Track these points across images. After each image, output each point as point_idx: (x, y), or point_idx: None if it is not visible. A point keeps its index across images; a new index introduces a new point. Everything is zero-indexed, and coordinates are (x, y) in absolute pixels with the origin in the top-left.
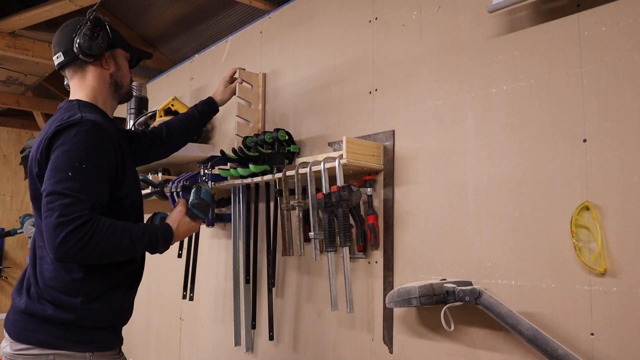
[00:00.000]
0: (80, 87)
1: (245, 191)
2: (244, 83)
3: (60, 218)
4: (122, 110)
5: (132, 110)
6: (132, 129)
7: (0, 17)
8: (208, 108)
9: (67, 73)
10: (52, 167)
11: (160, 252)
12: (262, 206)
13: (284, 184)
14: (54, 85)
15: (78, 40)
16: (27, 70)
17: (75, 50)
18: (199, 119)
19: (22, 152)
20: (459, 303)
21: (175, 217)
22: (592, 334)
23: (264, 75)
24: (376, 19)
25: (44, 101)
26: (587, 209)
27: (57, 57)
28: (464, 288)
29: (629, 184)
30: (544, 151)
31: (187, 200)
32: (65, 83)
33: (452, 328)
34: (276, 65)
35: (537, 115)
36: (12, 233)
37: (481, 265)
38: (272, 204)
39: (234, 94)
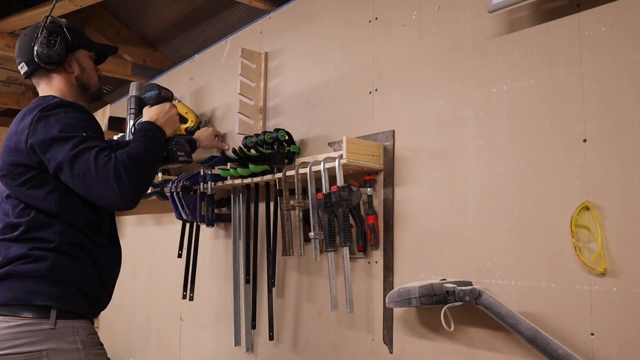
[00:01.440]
0: (48, 92)
1: (245, 191)
2: (247, 62)
3: (100, 169)
4: (122, 111)
5: (132, 111)
6: (133, 129)
7: (0, 17)
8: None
9: (34, 80)
10: (57, 138)
11: (165, 144)
12: (262, 206)
13: (284, 184)
14: None
15: (36, 49)
16: None
17: (36, 60)
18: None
19: None
20: (459, 303)
21: (160, 112)
22: (592, 334)
23: (266, 54)
24: (376, 19)
25: None
26: (587, 209)
27: (22, 67)
28: (464, 288)
29: (629, 184)
30: (544, 151)
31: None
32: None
33: (452, 328)
34: (276, 65)
35: (537, 115)
36: None
37: (481, 265)
38: (272, 204)
39: (215, 147)
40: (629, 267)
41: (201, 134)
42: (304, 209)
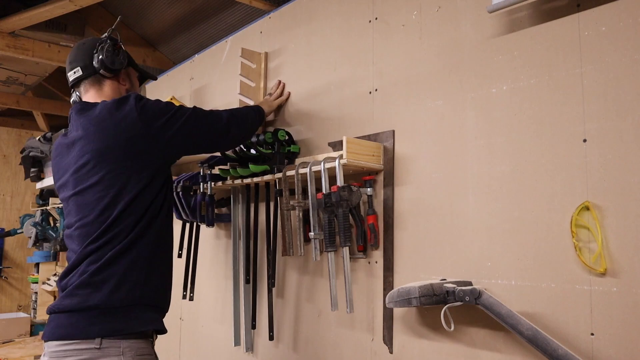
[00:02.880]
0: (99, 97)
1: (245, 191)
2: (247, 62)
3: (217, 121)
4: None
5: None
6: None
7: (0, 17)
8: None
9: (83, 87)
10: (167, 117)
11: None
12: (262, 206)
13: (284, 184)
14: (54, 85)
15: (100, 56)
16: (27, 70)
17: (96, 65)
18: None
19: (22, 152)
20: (459, 303)
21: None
22: (592, 334)
23: (266, 54)
24: (376, 19)
25: (44, 101)
26: (587, 209)
27: (75, 72)
28: (464, 288)
29: (629, 184)
30: (544, 151)
31: None
32: (72, 100)
33: (452, 328)
34: (276, 65)
35: (537, 115)
36: (12, 233)
37: (481, 265)
38: (272, 204)
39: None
40: (629, 267)
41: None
42: (304, 209)
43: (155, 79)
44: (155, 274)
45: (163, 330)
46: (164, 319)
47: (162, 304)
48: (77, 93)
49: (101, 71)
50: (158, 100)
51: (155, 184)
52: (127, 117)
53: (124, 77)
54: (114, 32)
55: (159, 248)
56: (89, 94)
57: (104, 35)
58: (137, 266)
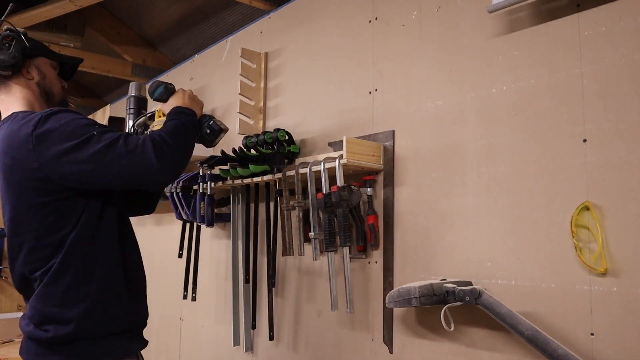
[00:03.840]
0: (10, 101)
1: (245, 191)
2: (247, 62)
3: (131, 152)
4: (122, 110)
5: (131, 111)
6: (132, 129)
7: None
8: None
9: None
10: (66, 149)
11: (195, 121)
12: (262, 206)
13: (284, 184)
14: None
15: None
16: None
17: None
18: None
19: None
20: (459, 303)
21: (181, 97)
22: (592, 334)
23: (266, 54)
24: (376, 19)
25: None
26: (587, 209)
27: None
28: (464, 288)
29: (629, 184)
30: (544, 151)
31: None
32: None
33: (452, 328)
34: (276, 65)
35: (537, 115)
36: None
37: (481, 265)
38: (272, 204)
39: None
40: (629, 267)
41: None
42: (304, 209)
43: (80, 60)
44: (109, 295)
45: (139, 347)
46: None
47: (131, 325)
48: None
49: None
50: (66, 124)
51: (68, 214)
52: (21, 147)
53: (28, 70)
54: (2, 22)
55: (96, 265)
56: (0, 99)
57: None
58: (79, 297)
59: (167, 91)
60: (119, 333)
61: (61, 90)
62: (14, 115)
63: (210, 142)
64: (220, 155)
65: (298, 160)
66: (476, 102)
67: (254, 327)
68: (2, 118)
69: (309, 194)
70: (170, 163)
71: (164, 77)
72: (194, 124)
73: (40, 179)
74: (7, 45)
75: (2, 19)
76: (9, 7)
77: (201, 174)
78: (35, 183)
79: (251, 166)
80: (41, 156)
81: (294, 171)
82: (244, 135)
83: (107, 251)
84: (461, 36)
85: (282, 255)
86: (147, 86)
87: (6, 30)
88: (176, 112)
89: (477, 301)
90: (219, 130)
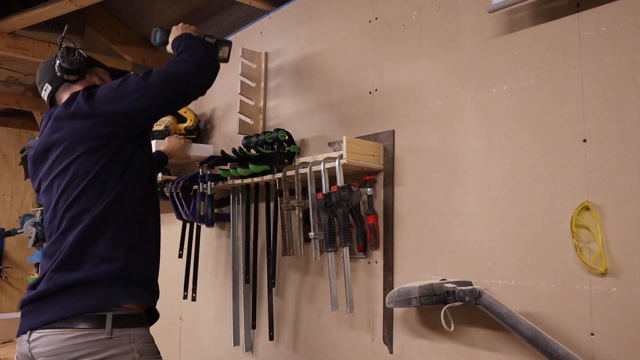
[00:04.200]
0: None
1: (245, 191)
2: (247, 62)
3: (152, 80)
4: None
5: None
6: None
7: (0, 17)
8: (159, 159)
9: (57, 99)
10: (112, 87)
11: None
12: (262, 206)
13: (284, 184)
14: None
15: (57, 63)
16: (27, 70)
17: (58, 74)
18: None
19: (22, 152)
20: (459, 303)
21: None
22: (592, 334)
23: (266, 54)
24: (376, 19)
25: (44, 101)
26: (587, 209)
27: (46, 90)
28: (464, 288)
29: (629, 184)
30: (544, 151)
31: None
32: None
33: (452, 328)
34: (276, 65)
35: (537, 115)
36: (12, 233)
37: (481, 265)
38: (272, 204)
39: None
40: (629, 267)
41: (170, 146)
42: (304, 209)
43: (128, 71)
44: (136, 252)
45: (154, 312)
46: (156, 307)
47: (149, 283)
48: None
49: (65, 76)
50: (107, 84)
51: (119, 160)
52: (77, 106)
53: (90, 77)
54: (65, 39)
55: (136, 226)
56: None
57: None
58: (113, 243)
59: (165, 32)
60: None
61: None
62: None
63: (216, 53)
64: (220, 155)
65: (298, 160)
66: (476, 102)
67: (254, 327)
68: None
69: (309, 194)
70: (202, 65)
71: None
72: (195, 38)
73: (94, 125)
74: (71, 53)
75: (62, 36)
76: (65, 28)
77: (201, 174)
78: (90, 130)
79: (251, 166)
80: (94, 103)
81: (294, 171)
82: (244, 135)
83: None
84: (461, 36)
85: (282, 255)
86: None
87: (67, 44)
88: (177, 41)
89: (477, 301)
90: (218, 41)
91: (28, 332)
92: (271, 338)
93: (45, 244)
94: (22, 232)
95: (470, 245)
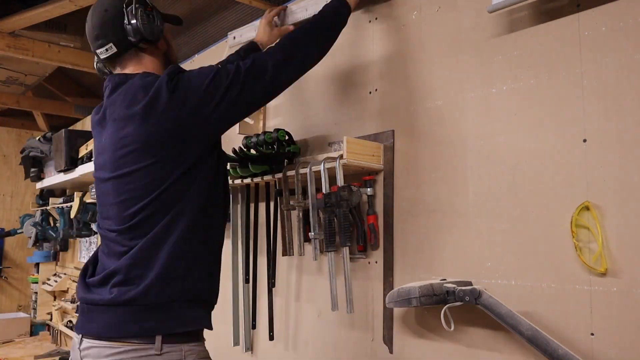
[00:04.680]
0: (138, 69)
1: (245, 191)
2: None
3: (254, 64)
4: None
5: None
6: None
7: (0, 17)
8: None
9: (118, 64)
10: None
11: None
12: (262, 206)
13: (284, 184)
14: (54, 85)
15: (133, 25)
16: (27, 70)
17: (133, 39)
18: None
19: (22, 152)
20: (459, 303)
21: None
22: (592, 334)
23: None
24: (376, 19)
25: (44, 101)
26: (587, 209)
27: (107, 50)
28: (464, 288)
29: (629, 184)
30: (544, 151)
31: None
32: (96, 66)
33: (452, 328)
34: None
35: (537, 115)
36: (12, 233)
37: (481, 265)
38: (272, 204)
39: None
40: (629, 267)
41: (266, 37)
42: (304, 209)
43: (180, 23)
44: (198, 265)
45: (209, 327)
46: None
47: (208, 297)
48: (107, 68)
49: (140, 44)
50: (194, 73)
51: (198, 168)
52: (158, 102)
53: (162, 41)
54: None
55: (200, 235)
56: (127, 70)
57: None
58: (176, 256)
59: None
60: None
61: (176, 57)
62: (131, 75)
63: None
64: None
65: (298, 161)
66: (476, 102)
67: (254, 327)
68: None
69: (309, 194)
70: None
71: None
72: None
73: (177, 129)
74: (151, 16)
75: None
76: None
77: None
78: (170, 135)
79: (251, 166)
80: (182, 104)
81: (294, 171)
82: (244, 135)
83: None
84: (461, 36)
85: (282, 255)
86: None
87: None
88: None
89: (477, 301)
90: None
91: (80, 338)
92: (271, 338)
93: (100, 235)
94: (22, 232)
95: (470, 245)
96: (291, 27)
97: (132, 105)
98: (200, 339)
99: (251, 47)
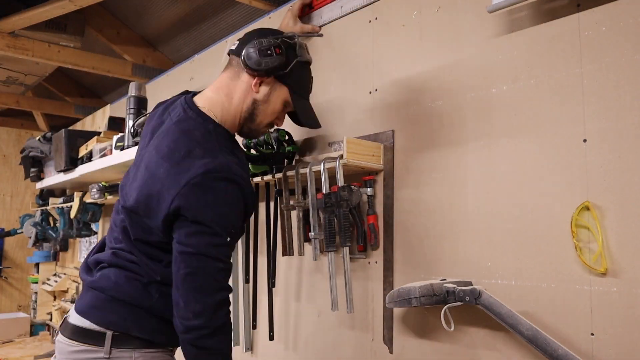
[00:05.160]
0: (223, 87)
1: None
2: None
3: (214, 285)
4: (122, 111)
5: (131, 111)
6: (132, 129)
7: (0, 17)
8: None
9: (232, 63)
10: (196, 221)
11: None
12: (262, 206)
13: (284, 184)
14: (53, 86)
15: (252, 46)
16: (27, 70)
17: (244, 57)
18: None
19: (22, 152)
20: (459, 303)
21: None
22: (592, 334)
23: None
24: (376, 19)
25: (44, 101)
26: (587, 209)
27: (234, 45)
28: (464, 288)
29: (629, 184)
30: (544, 151)
31: None
32: (227, 51)
33: (452, 328)
34: None
35: (537, 115)
36: (12, 233)
37: (481, 265)
38: (272, 204)
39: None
40: (629, 267)
41: (282, 26)
42: (304, 209)
43: (317, 127)
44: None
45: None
46: None
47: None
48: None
49: (246, 68)
50: (223, 204)
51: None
52: (173, 178)
53: (260, 84)
54: (300, 40)
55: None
56: (225, 73)
57: (287, 34)
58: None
59: None
60: None
61: (264, 128)
62: (197, 108)
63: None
64: None
65: (298, 161)
66: (476, 102)
67: (254, 327)
68: (196, 111)
69: (309, 194)
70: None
71: (164, 77)
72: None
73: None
74: (268, 52)
75: (299, 35)
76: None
77: None
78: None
79: (251, 166)
80: (180, 193)
81: (294, 171)
82: None
83: None
84: (461, 36)
85: (282, 255)
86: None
87: (285, 39)
88: None
89: (477, 301)
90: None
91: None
92: (271, 338)
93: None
94: (22, 232)
95: (470, 245)
96: (317, 28)
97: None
98: (158, 346)
99: None
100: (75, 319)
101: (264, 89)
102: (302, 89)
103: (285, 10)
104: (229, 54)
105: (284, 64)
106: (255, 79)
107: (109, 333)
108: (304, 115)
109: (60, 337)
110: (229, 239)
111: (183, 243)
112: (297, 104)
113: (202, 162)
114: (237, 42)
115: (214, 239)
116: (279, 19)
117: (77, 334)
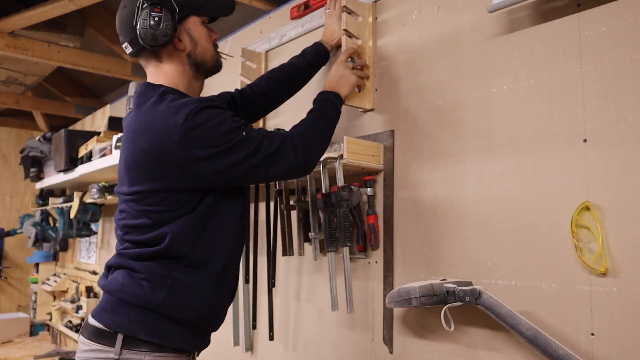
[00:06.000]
0: (157, 75)
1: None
2: (247, 62)
3: (273, 156)
4: (122, 111)
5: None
6: None
7: (0, 17)
8: (319, 59)
9: (141, 61)
10: (212, 154)
11: (339, 109)
12: (262, 206)
13: (284, 184)
14: (53, 85)
15: (138, 28)
16: (27, 70)
17: (140, 41)
18: (307, 72)
19: (21, 152)
20: (459, 303)
21: (332, 76)
22: (592, 334)
23: (266, 54)
24: (376, 19)
25: (44, 101)
26: (587, 209)
27: (126, 47)
28: (464, 288)
29: (629, 184)
30: (544, 151)
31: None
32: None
33: (452, 328)
34: (276, 65)
35: (537, 115)
36: (12, 233)
37: (481, 265)
38: (272, 204)
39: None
40: (629, 267)
41: (326, 34)
42: (304, 209)
43: (232, 8)
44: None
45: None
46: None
47: (198, 323)
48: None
49: (147, 47)
50: (217, 125)
51: (199, 206)
52: (166, 134)
53: (179, 39)
54: None
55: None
56: (149, 71)
57: None
58: (175, 272)
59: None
60: None
61: (214, 53)
62: (161, 91)
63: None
64: None
65: None
66: (476, 102)
67: (254, 327)
68: (146, 88)
69: (309, 194)
70: (310, 161)
71: None
72: (337, 113)
73: (175, 172)
74: (156, 18)
75: None
76: None
77: None
78: (169, 170)
79: None
80: (185, 152)
81: None
82: None
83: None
84: (461, 36)
85: (282, 255)
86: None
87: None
88: (320, 99)
89: (477, 301)
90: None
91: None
92: (271, 338)
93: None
94: (22, 232)
95: (470, 245)
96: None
97: (143, 131)
98: (172, 351)
99: (319, 51)
100: (91, 320)
101: (185, 39)
102: (194, 3)
103: (286, 10)
104: (131, 56)
105: (173, 11)
106: (170, 45)
107: (120, 335)
108: (217, 12)
109: (79, 337)
110: (243, 133)
111: (231, 172)
112: (205, 14)
113: (175, 111)
114: (122, 42)
115: (238, 147)
116: (279, 19)
117: (92, 333)
